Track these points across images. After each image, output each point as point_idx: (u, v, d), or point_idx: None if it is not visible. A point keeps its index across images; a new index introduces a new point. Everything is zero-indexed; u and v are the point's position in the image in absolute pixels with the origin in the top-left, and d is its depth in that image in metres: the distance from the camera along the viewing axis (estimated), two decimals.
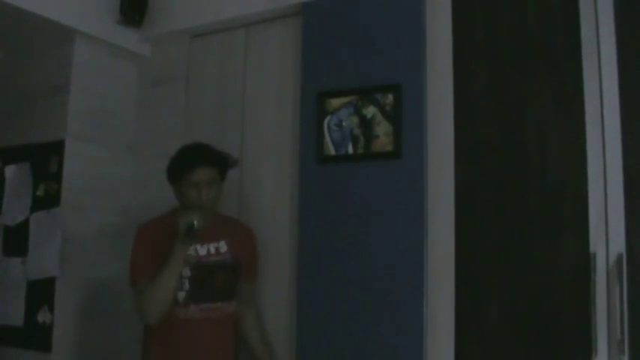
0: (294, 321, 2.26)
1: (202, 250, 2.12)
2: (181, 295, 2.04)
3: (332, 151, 2.25)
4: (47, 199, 2.56)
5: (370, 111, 2.19)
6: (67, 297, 2.50)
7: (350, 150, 2.22)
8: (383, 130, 2.16)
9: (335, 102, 2.26)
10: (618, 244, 1.79)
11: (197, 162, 2.08)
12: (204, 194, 2.06)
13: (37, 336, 2.48)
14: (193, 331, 2.05)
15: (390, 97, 2.16)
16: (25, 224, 2.61)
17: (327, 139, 2.26)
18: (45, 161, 2.59)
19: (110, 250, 2.70)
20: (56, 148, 2.56)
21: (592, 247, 1.82)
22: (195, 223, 1.95)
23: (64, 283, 2.49)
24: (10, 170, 2.72)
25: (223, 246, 2.17)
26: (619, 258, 1.77)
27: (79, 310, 2.55)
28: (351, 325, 2.11)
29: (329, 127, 2.27)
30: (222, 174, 2.17)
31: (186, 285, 2.06)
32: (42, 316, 2.48)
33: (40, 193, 2.59)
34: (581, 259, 1.83)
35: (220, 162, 2.16)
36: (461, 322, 1.99)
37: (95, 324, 2.61)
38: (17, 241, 2.61)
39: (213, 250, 2.14)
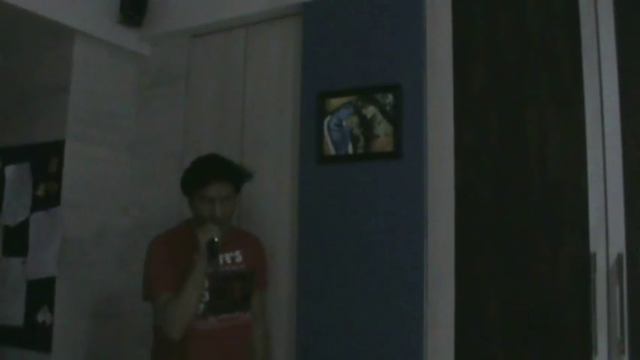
0: (294, 321, 2.26)
1: (219, 260, 2.08)
2: (200, 306, 2.00)
3: (332, 151, 2.25)
4: (47, 199, 2.56)
5: (370, 111, 2.19)
6: (67, 297, 2.50)
7: (350, 150, 2.22)
8: (383, 130, 2.16)
9: (335, 102, 2.26)
10: (618, 244, 1.79)
11: (211, 177, 2.01)
12: (218, 209, 2.01)
13: (37, 336, 2.48)
14: (211, 342, 2.01)
15: (390, 97, 2.16)
16: (25, 224, 2.61)
17: (327, 139, 2.26)
18: (45, 161, 2.59)
19: (110, 250, 2.71)
20: (56, 148, 2.56)
21: (592, 247, 1.82)
22: (216, 239, 1.93)
23: (64, 283, 2.49)
24: (10, 170, 2.72)
25: (239, 256, 2.15)
26: (619, 258, 1.77)
27: (79, 310, 2.55)
28: (351, 324, 2.11)
29: (329, 127, 2.27)
30: (237, 188, 2.12)
31: (206, 296, 2.02)
32: (42, 316, 2.48)
33: (40, 193, 2.59)
34: (581, 259, 1.83)
35: (235, 176, 2.10)
36: (461, 321, 1.99)
37: (95, 324, 2.61)
38: (17, 241, 2.61)
39: (229, 260, 2.12)
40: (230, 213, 2.10)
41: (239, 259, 2.15)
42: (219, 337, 2.04)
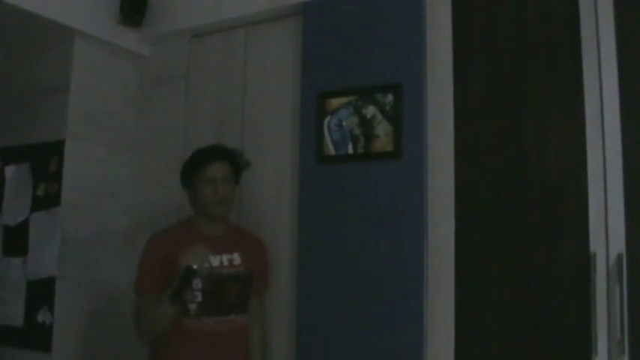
0: (294, 321, 2.26)
1: (215, 261, 2.07)
2: (192, 307, 2.01)
3: (332, 151, 2.25)
4: (47, 199, 2.56)
5: (370, 111, 2.19)
6: (67, 297, 2.50)
7: (350, 150, 2.22)
8: (383, 130, 2.16)
9: (335, 102, 2.26)
10: (618, 244, 1.79)
11: (212, 157, 2.09)
12: (221, 190, 2.06)
13: (37, 336, 2.48)
14: (206, 343, 2.01)
15: (390, 97, 2.16)
16: (25, 224, 2.61)
17: (327, 139, 2.26)
18: (45, 161, 2.59)
19: (110, 250, 2.70)
20: (56, 148, 2.56)
21: (592, 247, 1.82)
22: (195, 267, 1.90)
23: (64, 283, 2.49)
24: (10, 170, 2.72)
25: (237, 258, 2.13)
26: (619, 258, 1.77)
27: (79, 310, 2.55)
28: (351, 325, 2.11)
29: (329, 127, 2.27)
30: (236, 173, 2.17)
31: (199, 297, 2.02)
32: (42, 316, 2.48)
33: (40, 193, 2.59)
34: (581, 259, 1.83)
35: (234, 158, 2.17)
36: (461, 322, 1.99)
37: (95, 324, 2.61)
38: (17, 241, 2.61)
39: (226, 262, 2.10)
40: (231, 198, 2.12)
41: (237, 261, 2.13)
42: (214, 338, 2.03)
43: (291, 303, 2.30)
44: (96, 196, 2.66)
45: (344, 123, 2.24)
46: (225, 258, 2.11)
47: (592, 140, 1.86)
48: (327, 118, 2.27)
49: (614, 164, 1.82)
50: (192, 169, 2.10)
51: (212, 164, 2.07)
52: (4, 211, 2.70)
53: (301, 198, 2.30)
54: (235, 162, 2.17)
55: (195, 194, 2.10)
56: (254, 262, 2.19)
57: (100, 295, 2.64)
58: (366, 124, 2.20)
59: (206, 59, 2.72)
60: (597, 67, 1.87)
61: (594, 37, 1.89)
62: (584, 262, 1.82)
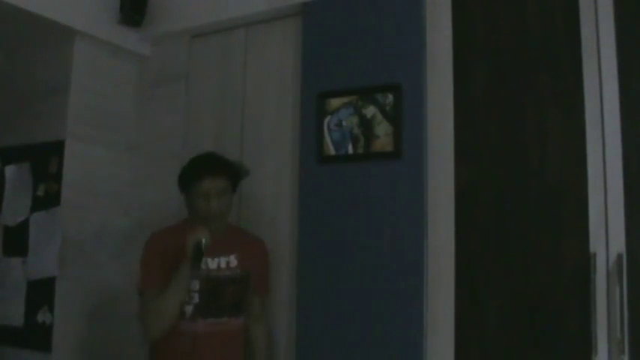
0: (294, 321, 2.26)
1: (213, 264, 2.08)
2: (189, 308, 2.01)
3: (332, 151, 2.25)
4: (47, 199, 2.56)
5: (370, 111, 2.19)
6: (67, 297, 2.50)
7: (350, 150, 2.22)
8: (383, 130, 2.16)
9: (335, 102, 2.26)
10: (618, 244, 1.79)
11: (205, 172, 2.05)
12: (213, 204, 2.04)
13: (37, 336, 2.48)
14: (201, 345, 2.01)
15: (390, 97, 2.16)
16: (25, 224, 2.61)
17: (327, 139, 2.26)
18: (45, 161, 2.59)
19: (110, 250, 2.71)
20: (56, 148, 2.56)
21: (592, 247, 1.82)
22: (204, 241, 1.92)
23: (64, 283, 2.49)
24: (10, 170, 2.72)
25: (233, 260, 2.13)
26: (619, 258, 1.77)
27: (79, 310, 2.55)
28: (351, 325, 2.11)
29: (329, 127, 2.27)
30: (233, 184, 2.14)
31: (195, 299, 2.02)
32: (42, 316, 2.48)
33: (40, 193, 2.60)
34: (581, 259, 1.83)
35: (230, 172, 2.13)
36: (461, 322, 1.99)
37: (95, 324, 2.61)
38: (17, 241, 2.61)
39: (223, 265, 2.10)
40: (226, 209, 2.11)
41: (234, 263, 2.12)
42: (208, 340, 2.03)
43: (291, 303, 2.30)
44: (96, 196, 2.66)
45: (344, 123, 2.24)
46: (222, 260, 2.11)
47: (592, 140, 1.86)
48: (327, 118, 2.27)
49: (614, 164, 1.82)
50: (188, 180, 2.09)
51: (206, 179, 2.03)
52: (4, 211, 2.70)
53: (301, 198, 2.30)
54: (231, 174, 2.13)
55: (191, 204, 2.10)
56: (251, 263, 2.18)
57: (100, 295, 2.64)
58: (366, 124, 2.20)
59: (206, 59, 2.72)
60: (597, 67, 1.87)
61: (594, 37, 1.89)
62: (584, 262, 1.82)
